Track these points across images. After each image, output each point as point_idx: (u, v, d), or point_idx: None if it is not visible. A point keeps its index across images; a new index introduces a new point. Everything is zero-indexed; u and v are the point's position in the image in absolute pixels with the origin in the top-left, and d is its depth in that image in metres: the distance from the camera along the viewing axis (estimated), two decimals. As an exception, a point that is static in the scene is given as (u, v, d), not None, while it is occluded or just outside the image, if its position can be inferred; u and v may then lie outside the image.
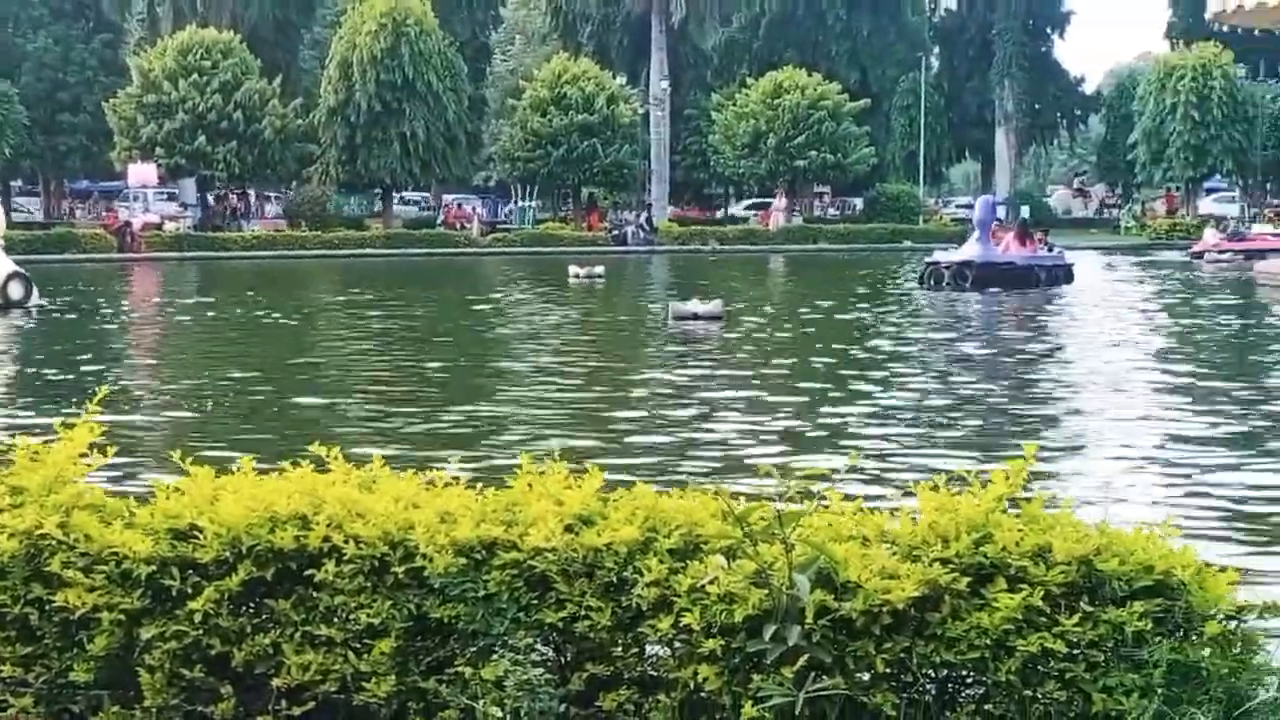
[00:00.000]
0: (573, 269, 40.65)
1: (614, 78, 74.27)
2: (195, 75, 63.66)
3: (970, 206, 45.82)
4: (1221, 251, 49.96)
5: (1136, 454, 11.32)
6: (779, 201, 74.23)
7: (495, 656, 4.13)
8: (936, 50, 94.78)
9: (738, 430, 12.45)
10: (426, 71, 65.94)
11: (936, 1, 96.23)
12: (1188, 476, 10.36)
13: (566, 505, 4.27)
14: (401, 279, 42.78)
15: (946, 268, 33.39)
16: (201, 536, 4.36)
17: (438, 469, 4.60)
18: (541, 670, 4.11)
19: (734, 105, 75.39)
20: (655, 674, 4.13)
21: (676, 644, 4.06)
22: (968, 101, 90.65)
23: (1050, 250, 36.54)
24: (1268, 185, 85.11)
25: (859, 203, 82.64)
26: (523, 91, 72.30)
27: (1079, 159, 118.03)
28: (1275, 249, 47.21)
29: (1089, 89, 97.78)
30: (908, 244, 62.22)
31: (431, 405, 14.60)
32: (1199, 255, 49.06)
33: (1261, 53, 79.65)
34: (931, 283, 33.51)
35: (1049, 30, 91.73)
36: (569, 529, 4.20)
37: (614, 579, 4.11)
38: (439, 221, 73.58)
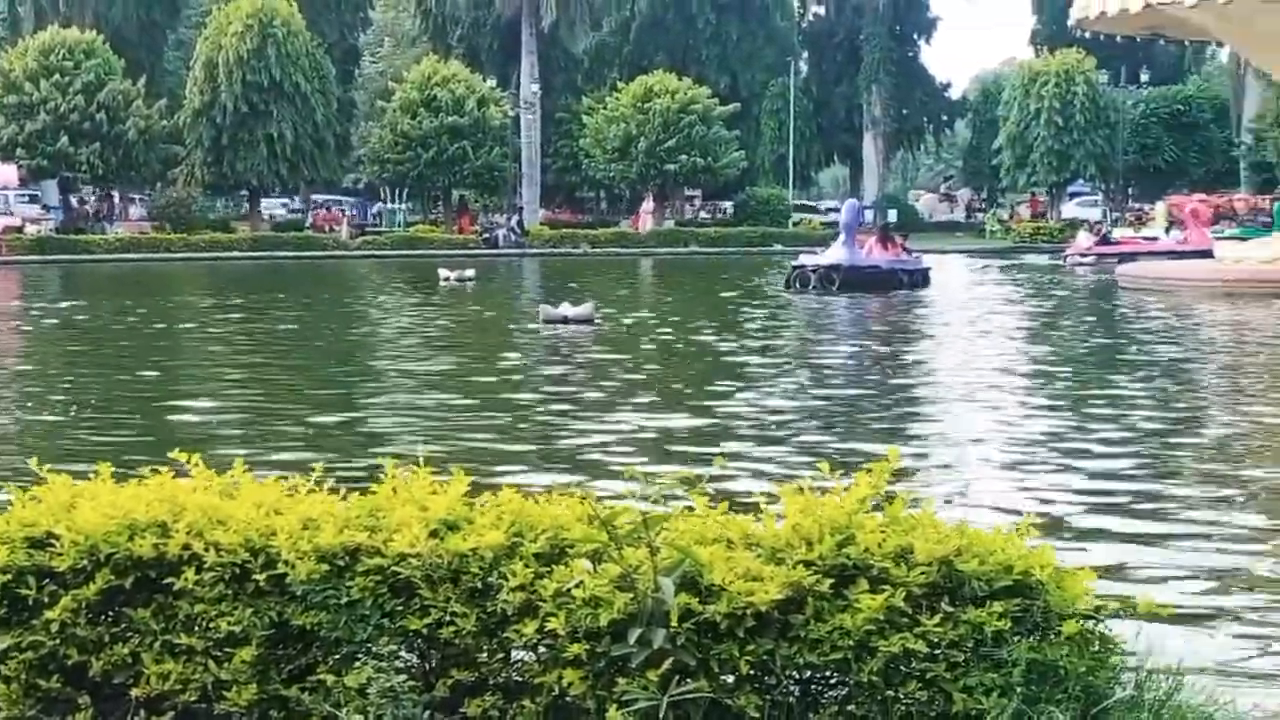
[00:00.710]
0: (443, 272, 40.46)
1: (484, 80, 74.08)
2: (57, 76, 62.71)
3: (836, 210, 46.14)
4: (1084, 255, 50.56)
5: (999, 455, 11.46)
6: (647, 204, 74.44)
7: (358, 664, 4.10)
8: (805, 55, 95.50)
9: (605, 434, 12.45)
10: (294, 73, 65.42)
11: (805, 7, 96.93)
12: (1048, 477, 10.51)
13: (431, 510, 4.25)
14: (269, 282, 42.38)
15: (813, 271, 33.58)
16: (58, 545, 4.28)
17: (301, 476, 4.55)
18: (405, 677, 4.08)
19: (604, 109, 75.48)
20: (520, 679, 4.11)
21: (542, 649, 4.05)
22: (836, 106, 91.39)
23: (909, 254, 36.83)
24: (1129, 189, 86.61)
25: (729, 206, 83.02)
26: (392, 94, 71.91)
27: (945, 164, 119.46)
28: (1147, 251, 47.91)
29: (955, 94, 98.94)
30: (777, 247, 62.60)
31: (298, 410, 14.47)
32: (1080, 257, 49.61)
33: (1123, 59, 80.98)
34: (798, 286, 33.70)
35: (915, 36, 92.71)
36: (434, 534, 4.17)
37: (479, 584, 4.09)
38: (308, 224, 72.93)
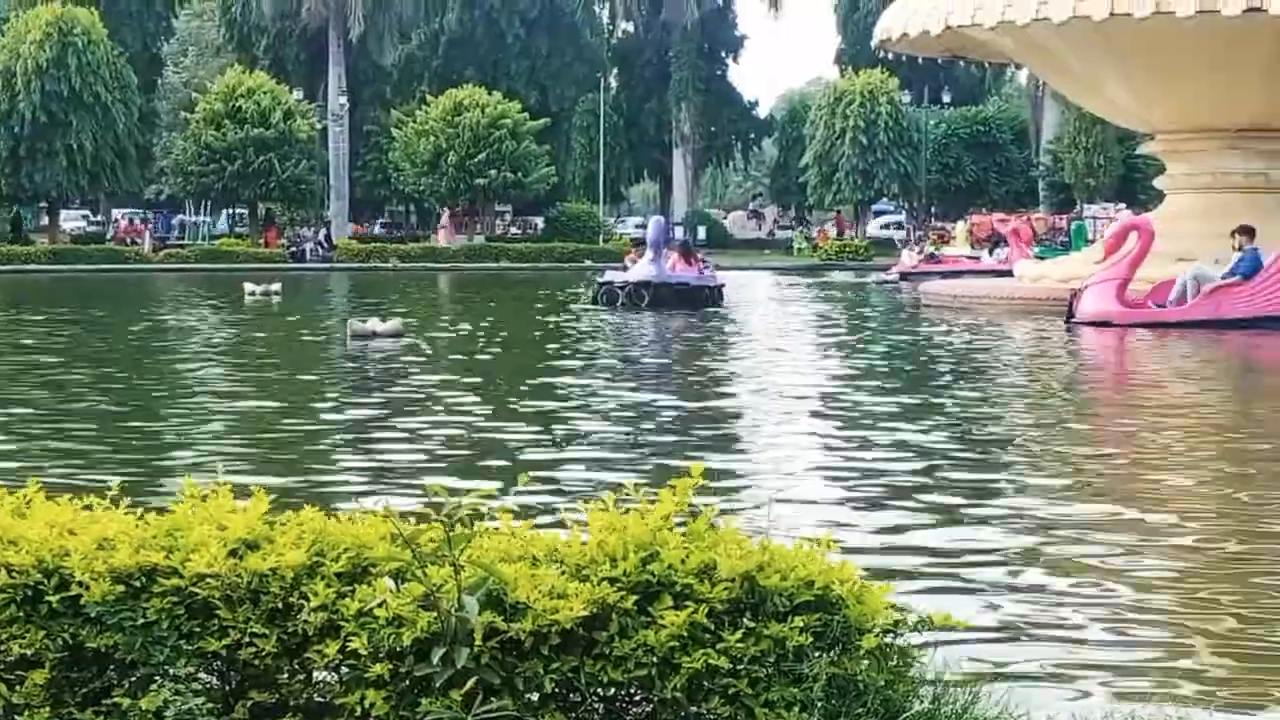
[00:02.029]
0: (249, 286, 39.91)
1: (291, 92, 73.31)
2: None
3: (644, 226, 46.27)
4: (904, 274, 50.84)
5: (804, 470, 11.58)
6: (444, 219, 74.32)
7: (155, 686, 4.02)
8: (615, 71, 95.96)
9: (411, 450, 12.37)
10: (95, 82, 64.14)
11: (615, 23, 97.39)
12: (851, 492, 10.65)
13: (230, 530, 4.18)
14: (69, 296, 41.46)
15: (621, 287, 33.63)
16: None
17: (97, 495, 4.45)
18: (204, 699, 4.01)
19: (414, 122, 75.12)
20: (322, 700, 4.07)
21: (344, 669, 4.01)
22: (646, 123, 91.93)
23: (705, 270, 36.95)
24: (931, 208, 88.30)
25: (540, 222, 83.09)
26: (196, 104, 70.84)
27: (754, 181, 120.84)
28: (970, 270, 48.65)
29: (763, 113, 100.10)
30: (588, 263, 62.76)
31: (96, 427, 14.17)
32: (903, 276, 50.07)
33: (925, 80, 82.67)
34: (605, 302, 33.74)
35: (724, 55, 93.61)
36: (233, 554, 4.11)
37: (279, 604, 4.04)
38: (109, 237, 71.53)
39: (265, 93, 69.88)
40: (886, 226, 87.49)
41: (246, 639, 4.02)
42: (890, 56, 42.71)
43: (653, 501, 4.14)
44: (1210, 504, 10.07)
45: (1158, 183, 37.47)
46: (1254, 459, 12.14)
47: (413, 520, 4.03)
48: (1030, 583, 7.78)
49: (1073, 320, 27.42)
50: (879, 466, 11.71)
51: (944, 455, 12.18)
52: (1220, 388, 19.08)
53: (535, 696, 3.88)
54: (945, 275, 46.11)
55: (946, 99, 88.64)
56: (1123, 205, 71.47)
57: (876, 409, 15.88)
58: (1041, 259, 44.14)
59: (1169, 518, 9.52)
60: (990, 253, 54.42)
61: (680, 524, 4.13)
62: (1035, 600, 7.37)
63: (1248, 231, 27.62)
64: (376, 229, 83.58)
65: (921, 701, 4.02)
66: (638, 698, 4.00)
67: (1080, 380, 20.03)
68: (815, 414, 15.55)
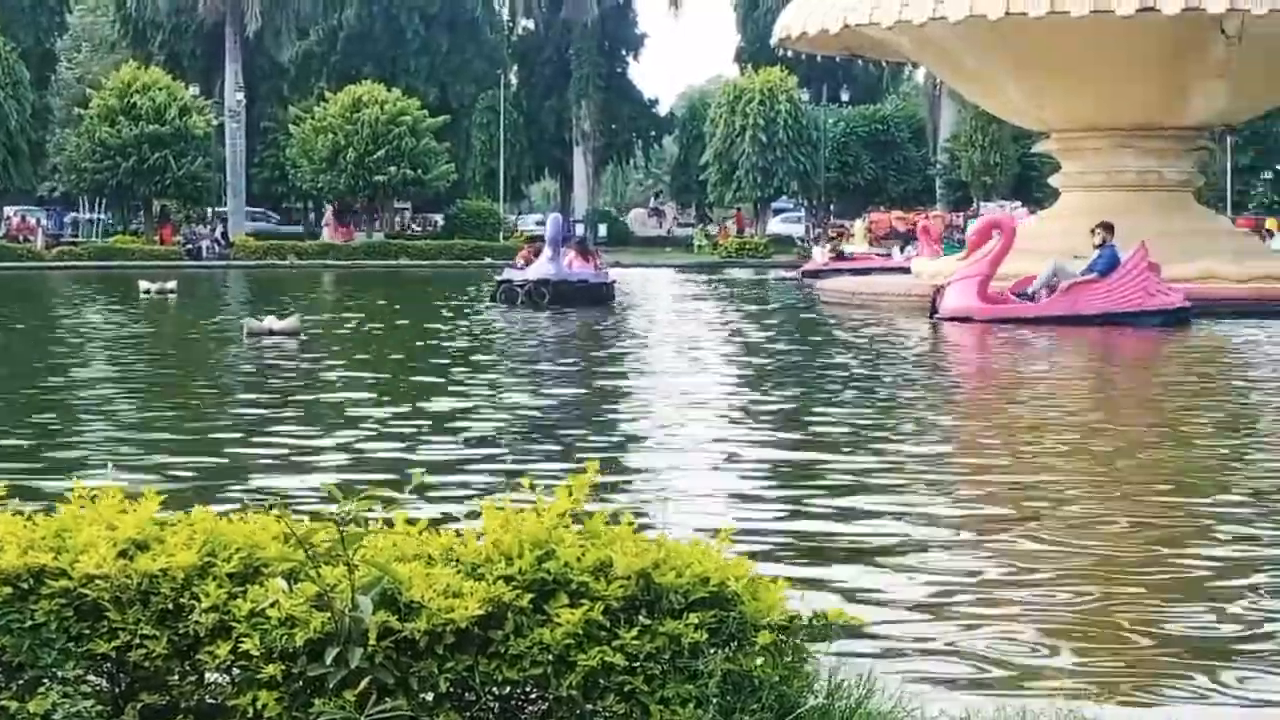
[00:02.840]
0: (144, 284, 39.45)
1: (187, 88, 72.61)
2: None
3: (543, 224, 46.15)
4: (816, 271, 50.94)
5: (701, 466, 11.60)
6: (328, 216, 73.94)
7: (43, 689, 3.96)
8: (515, 68, 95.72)
9: (307, 449, 12.28)
10: (-14, 78, 63.25)
11: (515, 20, 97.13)
12: (748, 488, 10.68)
13: (120, 530, 4.13)
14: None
15: (521, 285, 33.53)
16: None
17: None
18: (93, 701, 3.95)
19: (312, 119, 74.59)
20: (214, 701, 4.02)
21: (236, 670, 3.97)
22: (546, 120, 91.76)
23: (599, 267, 36.93)
24: (830, 206, 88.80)
25: (440, 219, 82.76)
26: (90, 100, 69.97)
27: (655, 179, 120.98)
28: (879, 267, 48.93)
29: (663, 110, 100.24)
30: (488, 260, 62.61)
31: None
32: (812, 274, 50.16)
33: (824, 78, 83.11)
34: (504, 300, 33.63)
35: (624, 52, 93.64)
36: (123, 555, 4.05)
37: (170, 605, 3.99)
38: (1, 234, 70.51)
39: (161, 89, 69.15)
40: (786, 223, 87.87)
41: (136, 641, 3.97)
42: (789, 55, 42.95)
43: (549, 499, 4.13)
44: (1081, 498, 10.18)
45: (1053, 180, 37.91)
46: (1115, 454, 12.30)
47: (307, 520, 4.00)
48: (923, 579, 7.83)
49: (936, 316, 27.76)
50: (772, 464, 11.75)
51: (821, 451, 12.26)
52: (1063, 382, 19.31)
53: (430, 696, 3.86)
54: (855, 272, 46.38)
55: (845, 97, 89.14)
56: (1018, 203, 72.27)
57: (764, 407, 15.96)
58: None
59: (1048, 511, 9.62)
60: (900, 250, 54.84)
61: (576, 522, 4.12)
62: (929, 595, 7.43)
63: (1107, 228, 28.03)
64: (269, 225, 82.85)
65: (816, 697, 4.04)
66: (533, 696, 3.99)
67: (926, 375, 20.17)
68: (710, 411, 15.58)
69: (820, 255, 55.23)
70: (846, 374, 19.50)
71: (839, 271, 48.22)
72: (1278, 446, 13.22)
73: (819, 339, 26.10)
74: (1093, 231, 28.39)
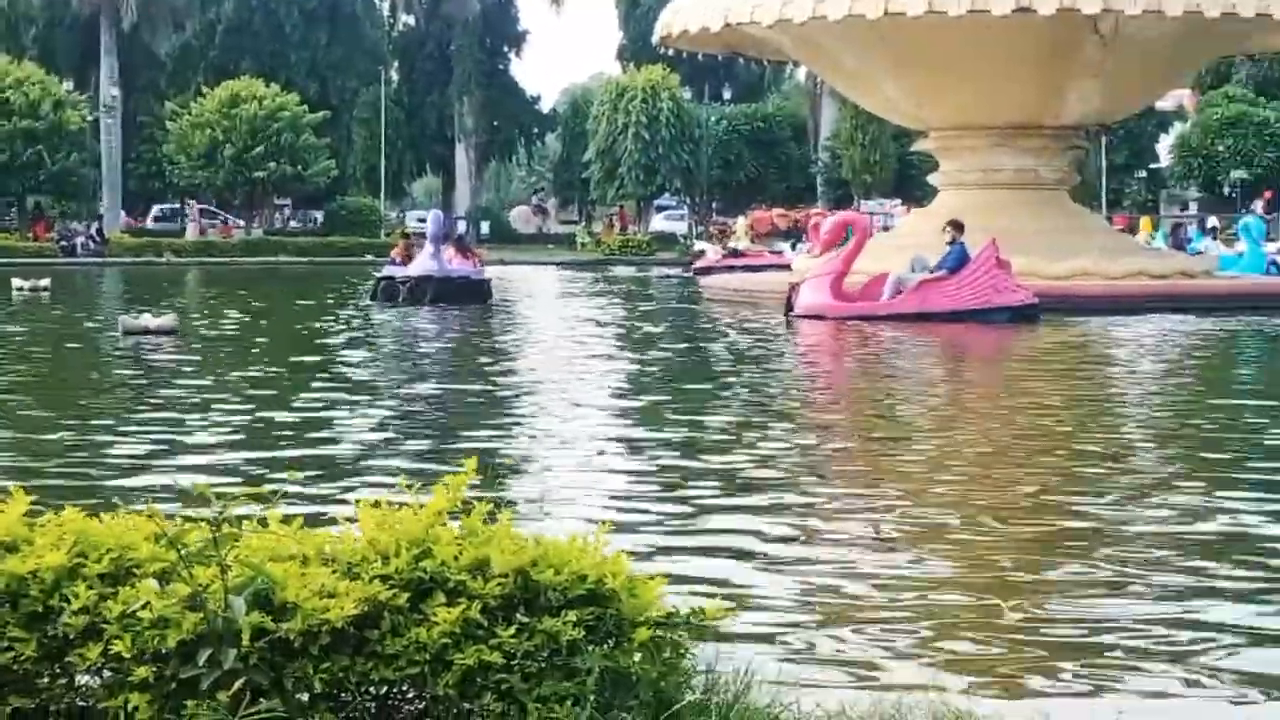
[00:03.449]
0: (16, 282, 38.79)
1: (61, 83, 71.56)
2: None
3: (424, 220, 45.90)
4: (709, 268, 50.94)
5: (581, 464, 11.60)
6: (193, 212, 73.22)
7: (-93, 696, 3.89)
8: (396, 64, 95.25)
9: (182, 448, 12.14)
10: None
11: (395, 16, 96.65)
12: (627, 485, 10.70)
13: (-13, 532, 4.06)
14: None
15: (403, 282, 33.31)
16: None
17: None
18: (-41, 707, 3.89)
19: (189, 114, 73.78)
20: (85, 704, 3.97)
21: (107, 672, 3.91)
22: (428, 116, 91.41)
23: (478, 265, 36.74)
24: (713, 203, 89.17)
25: (320, 215, 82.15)
26: (-39, 96, 68.80)
27: (538, 176, 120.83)
28: (772, 264, 49.05)
29: (546, 107, 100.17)
30: (369, 257, 62.23)
31: None
32: (704, 271, 50.14)
33: (706, 76, 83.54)
34: (384, 297, 33.40)
35: (506, 49, 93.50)
36: (-10, 557, 3.99)
37: (39, 607, 3.93)
38: None
39: (34, 83, 68.12)
40: (669, 220, 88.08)
41: (5, 644, 3.91)
42: (672, 52, 43.05)
43: (426, 497, 4.12)
44: (952, 492, 10.30)
45: (931, 179, 38.29)
46: (967, 445, 12.47)
47: (179, 520, 3.96)
48: (801, 574, 7.88)
49: (791, 313, 28.02)
50: (653, 461, 11.77)
51: (742, 445, 12.32)
52: (909, 377, 19.60)
53: (305, 697, 3.83)
54: (748, 269, 46.50)
55: (727, 95, 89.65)
56: (898, 201, 73.03)
57: (639, 404, 16.02)
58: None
59: (920, 505, 9.72)
60: (792, 247, 55.11)
61: (454, 519, 4.11)
62: (806, 590, 7.47)
63: (956, 226, 28.42)
64: (149, 223, 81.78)
65: (694, 693, 4.05)
66: (410, 695, 3.98)
67: (780, 372, 20.33)
68: (590, 408, 15.59)
69: (713, 253, 55.40)
70: (712, 370, 19.64)
71: (732, 269, 48.36)
72: (1109, 434, 13.45)
73: (685, 334, 26.28)
74: (944, 229, 28.77)
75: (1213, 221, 55.83)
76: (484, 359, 21.58)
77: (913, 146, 45.83)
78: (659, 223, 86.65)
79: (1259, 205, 64.88)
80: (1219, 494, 10.06)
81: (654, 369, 20.05)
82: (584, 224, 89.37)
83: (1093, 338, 24.80)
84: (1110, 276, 32.01)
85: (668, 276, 53.70)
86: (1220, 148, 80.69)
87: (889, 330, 25.38)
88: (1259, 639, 6.61)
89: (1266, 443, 12.76)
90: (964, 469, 11.37)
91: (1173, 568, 7.98)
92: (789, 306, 28.31)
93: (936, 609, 7.08)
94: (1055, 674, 6.10)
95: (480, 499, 4.22)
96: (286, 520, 4.18)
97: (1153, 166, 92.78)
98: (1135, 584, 7.59)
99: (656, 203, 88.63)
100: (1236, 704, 5.69)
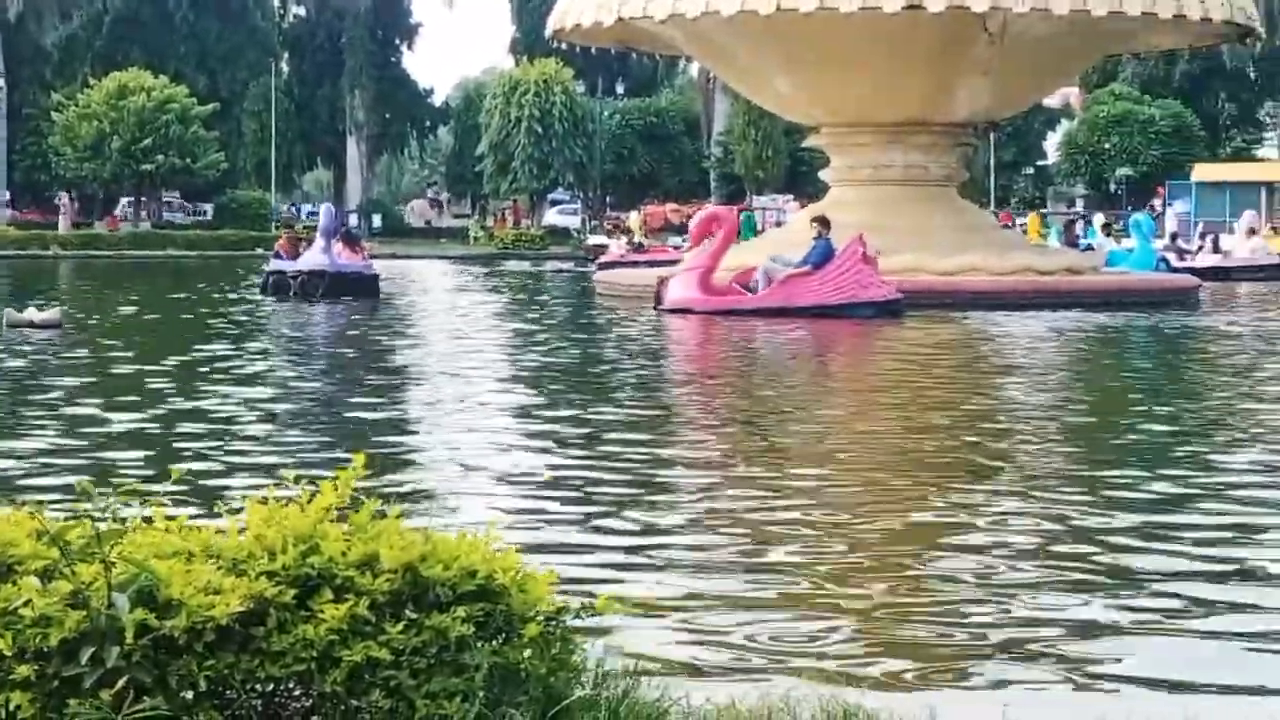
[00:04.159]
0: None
1: (-55, 73, 70.37)
2: None
3: (316, 214, 45.55)
4: (613, 263, 50.75)
5: (471, 459, 11.55)
6: (64, 203, 72.24)
7: None
8: (287, 56, 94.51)
9: (65, 446, 11.96)
10: None
11: (286, 7, 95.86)
12: (518, 478, 10.68)
13: None
14: None
15: (293, 277, 33.00)
16: None
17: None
18: None
19: (76, 106, 72.78)
20: (-35, 704, 3.90)
21: (-12, 671, 3.85)
22: (319, 109, 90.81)
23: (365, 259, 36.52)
24: (607, 198, 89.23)
25: (210, 208, 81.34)
26: None
27: (430, 169, 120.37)
28: (675, 260, 48.92)
29: (438, 100, 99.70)
30: (259, 250, 61.69)
31: None
32: (607, 266, 49.92)
33: (599, 70, 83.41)
34: (273, 291, 33.08)
35: (398, 41, 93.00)
36: None
37: (-83, 607, 3.86)
38: None
39: (-84, 72, 67.00)
40: (563, 215, 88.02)
41: (-118, 644, 3.83)
42: (565, 46, 43.02)
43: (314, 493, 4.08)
44: (838, 486, 10.37)
45: (823, 175, 38.49)
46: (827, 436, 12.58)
47: (61, 517, 3.90)
48: (691, 567, 7.90)
49: (659, 307, 28.19)
50: (543, 455, 11.77)
51: (634, 436, 12.33)
52: (780, 368, 19.82)
53: (190, 695, 3.78)
54: (652, 265, 46.37)
55: (620, 90, 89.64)
56: (790, 197, 73.39)
57: (528, 399, 16.02)
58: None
59: (811, 497, 9.79)
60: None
61: (342, 515, 4.08)
62: (696, 583, 7.50)
63: (822, 222, 28.68)
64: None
65: (584, 688, 4.05)
66: (297, 693, 3.94)
67: (651, 366, 20.44)
68: (479, 402, 15.55)
69: (617, 248, 55.36)
70: (588, 366, 19.68)
71: (635, 264, 48.28)
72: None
73: (568, 329, 26.33)
74: (811, 224, 29.04)
75: (1099, 218, 56.58)
76: (376, 354, 21.46)
77: (804, 142, 46.03)
78: (552, 217, 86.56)
79: (1156, 202, 65.85)
80: (1068, 492, 10.19)
81: (539, 364, 20.03)
82: (477, 218, 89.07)
83: (957, 333, 24.98)
84: (997, 272, 32.30)
85: (561, 271, 53.65)
86: (1106, 145, 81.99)
87: (753, 324, 25.46)
88: (1143, 633, 6.71)
89: (1095, 436, 12.94)
90: (842, 463, 11.44)
91: (1050, 565, 8.08)
92: (658, 301, 28.47)
93: (827, 603, 7.13)
94: (943, 669, 6.16)
95: (369, 495, 4.19)
96: (171, 517, 4.13)
97: (1040, 164, 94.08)
98: (1015, 580, 7.67)
99: (550, 197, 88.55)
100: (1116, 698, 5.76)
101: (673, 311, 27.50)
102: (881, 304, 27.15)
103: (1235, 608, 7.06)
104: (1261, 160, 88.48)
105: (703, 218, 31.14)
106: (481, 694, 3.83)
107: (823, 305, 26.86)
